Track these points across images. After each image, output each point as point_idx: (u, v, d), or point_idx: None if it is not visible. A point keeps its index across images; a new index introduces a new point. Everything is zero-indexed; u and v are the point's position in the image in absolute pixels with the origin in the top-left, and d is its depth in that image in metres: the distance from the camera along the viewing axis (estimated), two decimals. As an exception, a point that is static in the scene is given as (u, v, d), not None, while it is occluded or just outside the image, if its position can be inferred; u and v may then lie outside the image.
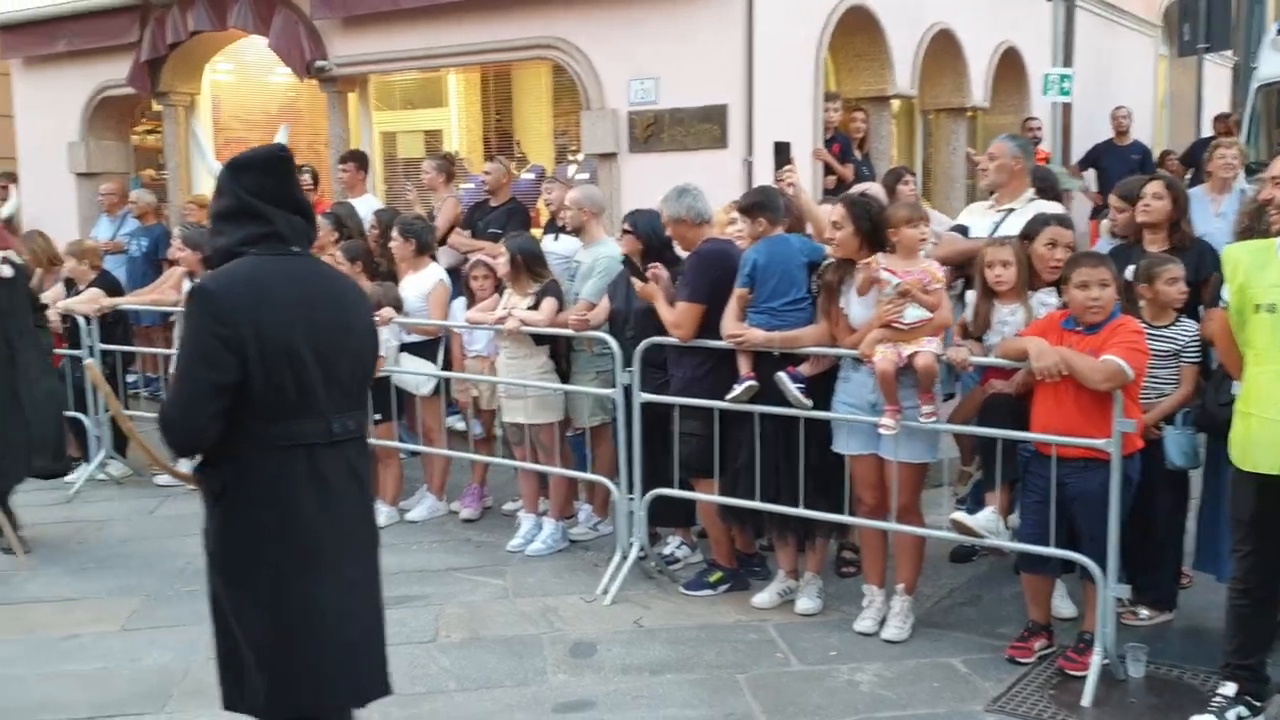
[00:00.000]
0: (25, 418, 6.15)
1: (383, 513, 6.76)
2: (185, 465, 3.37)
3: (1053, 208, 5.46)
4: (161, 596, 5.65)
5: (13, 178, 12.03)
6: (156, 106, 11.90)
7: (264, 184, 2.99)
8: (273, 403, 2.87)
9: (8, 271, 6.09)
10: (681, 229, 5.51)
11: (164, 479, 7.81)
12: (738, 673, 4.64)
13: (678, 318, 5.34)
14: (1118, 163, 10.96)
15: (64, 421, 6.83)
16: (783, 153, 7.70)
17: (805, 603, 5.31)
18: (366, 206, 8.53)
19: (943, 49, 10.78)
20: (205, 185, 11.82)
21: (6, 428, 6.10)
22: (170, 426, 2.89)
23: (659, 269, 5.55)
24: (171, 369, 7.82)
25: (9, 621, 5.31)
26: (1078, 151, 11.88)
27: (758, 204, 5.27)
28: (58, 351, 7.89)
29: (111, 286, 8.06)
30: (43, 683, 4.64)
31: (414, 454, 7.13)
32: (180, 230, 8.30)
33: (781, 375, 5.02)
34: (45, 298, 7.96)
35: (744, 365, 5.19)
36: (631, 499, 5.68)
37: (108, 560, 6.25)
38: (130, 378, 8.68)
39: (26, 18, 11.63)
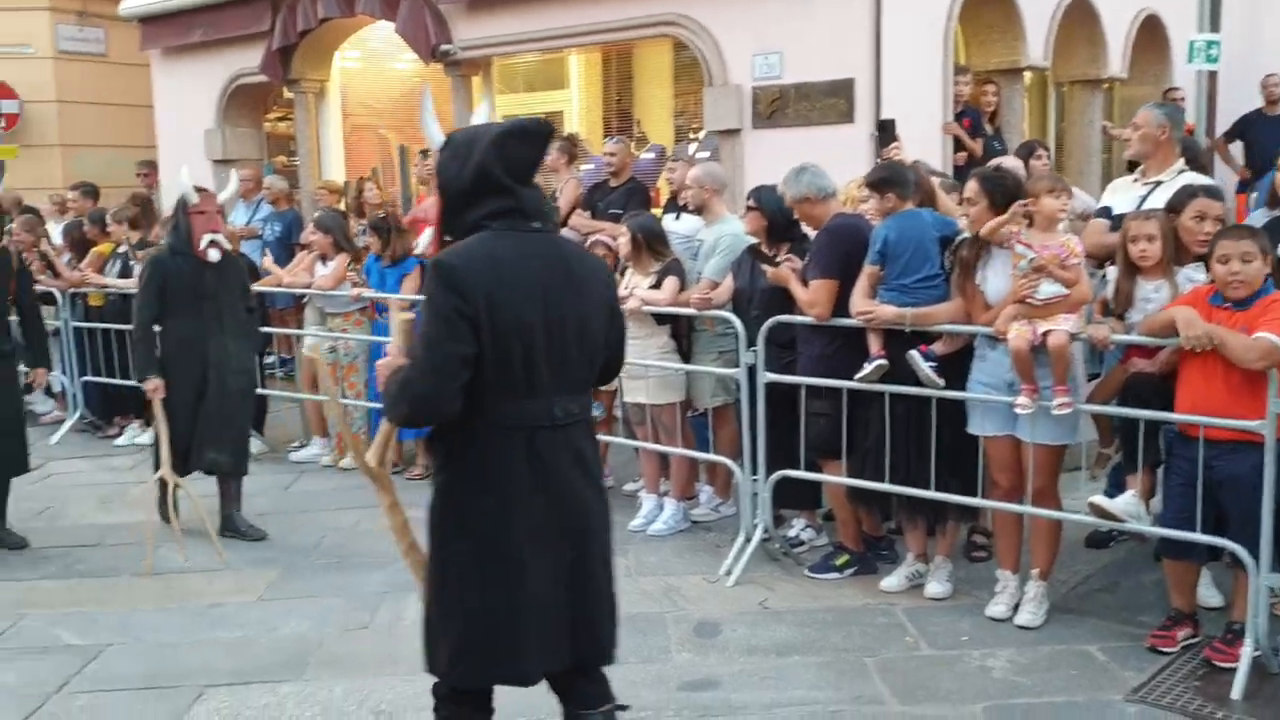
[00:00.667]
0: (215, 408, 6.17)
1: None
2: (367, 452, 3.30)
3: (1202, 180, 5.20)
4: (297, 569, 5.81)
5: (154, 166, 12.47)
6: (288, 94, 12.20)
7: (519, 157, 2.91)
8: (498, 382, 2.83)
9: (214, 255, 6.12)
10: (807, 207, 5.41)
11: (300, 455, 8.05)
12: (866, 656, 4.56)
13: (813, 296, 5.25)
14: (1268, 134, 10.41)
15: (248, 424, 6.78)
16: (887, 131, 7.53)
17: (935, 587, 5.20)
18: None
19: (1078, 18, 10.38)
20: (336, 171, 12.12)
21: (204, 413, 6.15)
22: (415, 397, 2.82)
23: (794, 261, 5.48)
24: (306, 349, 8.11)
25: (160, 590, 5.52)
26: (1224, 123, 11.35)
27: (885, 179, 5.16)
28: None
29: (249, 270, 8.28)
30: (190, 650, 4.81)
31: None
32: (315, 215, 8.53)
33: (914, 354, 4.91)
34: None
35: (874, 344, 5.09)
36: (755, 480, 5.62)
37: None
38: (268, 359, 8.94)
39: (164, 10, 12.02)
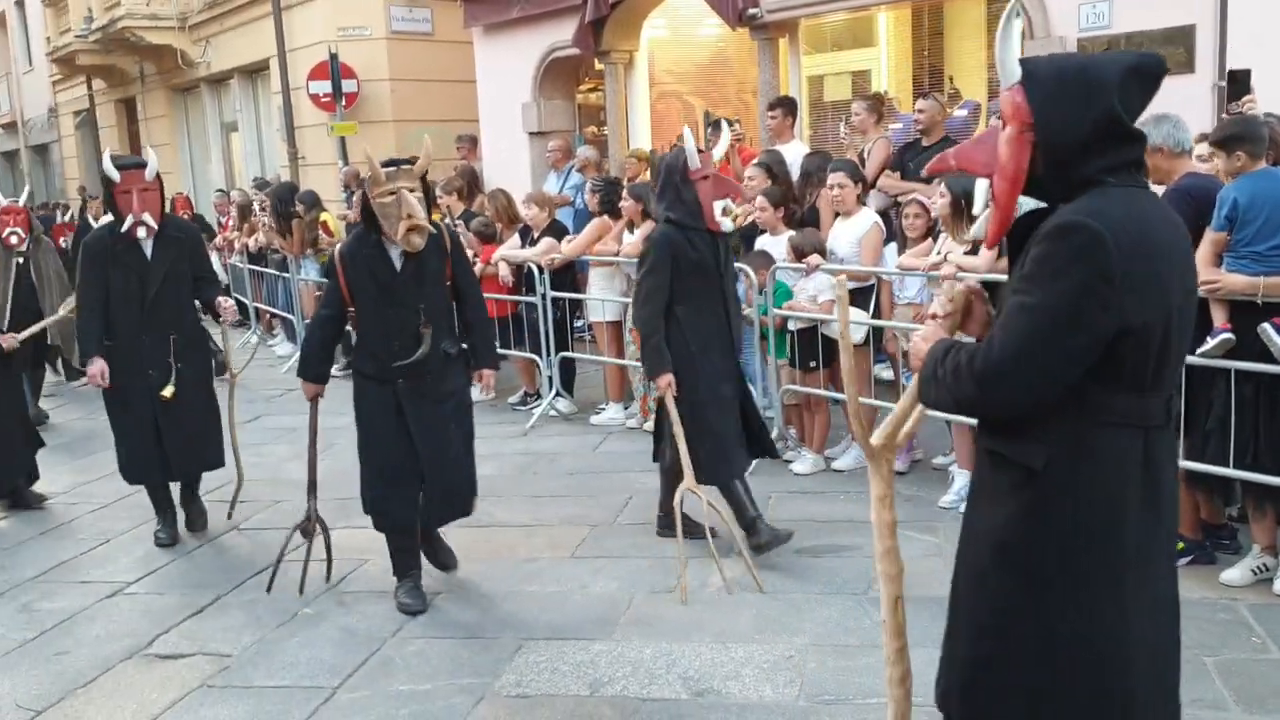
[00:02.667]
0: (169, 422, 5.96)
1: (809, 460, 6.78)
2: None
3: None
4: (606, 527, 6.00)
5: (474, 140, 13.14)
6: (599, 65, 12.55)
7: (1138, 99, 2.36)
8: (1130, 374, 2.28)
9: (142, 234, 5.78)
10: (1159, 159, 4.99)
11: (599, 419, 8.29)
12: (1205, 655, 4.20)
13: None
14: None
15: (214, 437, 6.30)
16: (1241, 82, 6.83)
17: (1285, 583, 4.74)
18: (794, 152, 8.53)
19: None
20: (643, 139, 12.34)
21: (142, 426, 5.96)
22: (1002, 386, 2.29)
23: None
24: (609, 314, 8.32)
25: (479, 543, 5.83)
26: None
27: (1235, 136, 4.72)
28: (512, 298, 8.58)
29: (561, 235, 8.61)
30: (508, 601, 5.07)
31: (838, 403, 7.08)
32: (591, 182, 8.71)
33: (1266, 326, 4.47)
34: (503, 249, 8.67)
35: (1219, 315, 4.66)
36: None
37: (559, 491, 6.72)
38: (578, 323, 9.26)
39: (486, -12, 12.62)
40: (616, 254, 8.05)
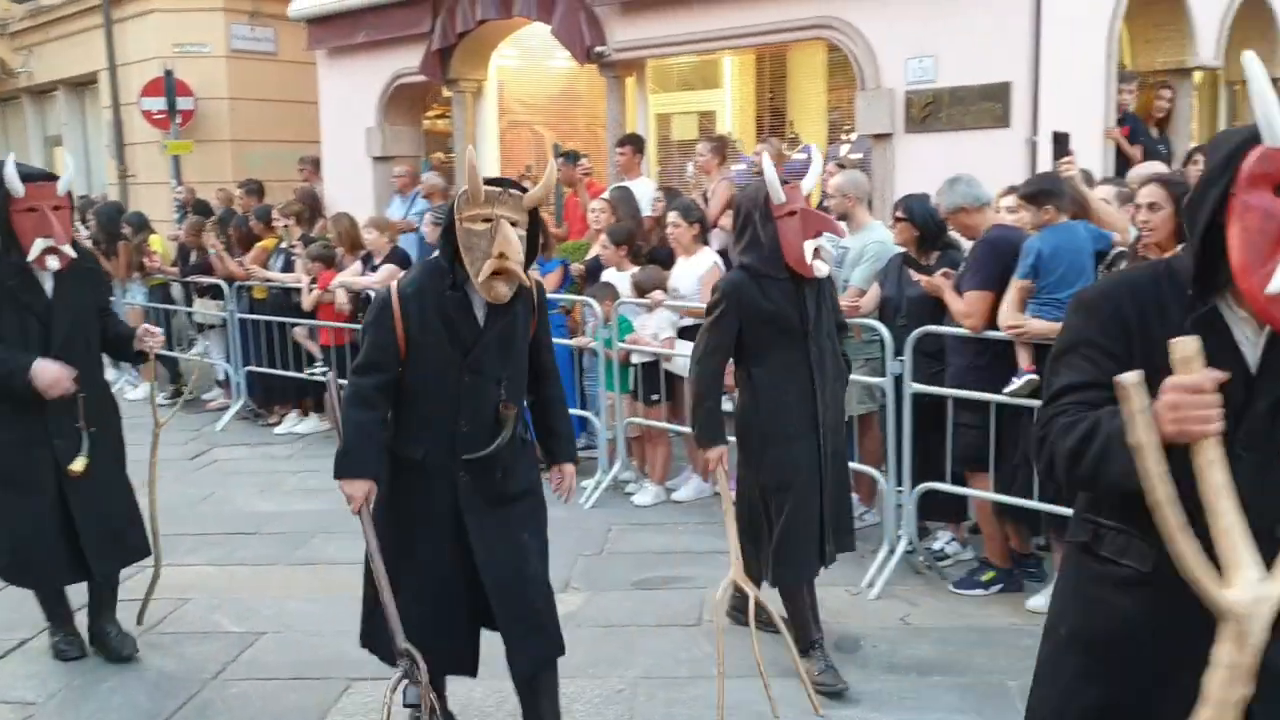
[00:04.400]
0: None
1: (650, 491, 6.89)
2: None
3: None
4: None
5: (315, 163, 12.94)
6: (446, 93, 12.52)
7: None
8: None
9: (53, 265, 4.43)
10: (963, 217, 5.31)
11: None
12: (1010, 679, 4.43)
13: (969, 307, 5.14)
14: None
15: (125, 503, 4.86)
16: (1062, 143, 7.32)
17: (1085, 611, 5.03)
18: (642, 189, 8.68)
19: (1253, 14, 9.90)
20: (491, 168, 12.34)
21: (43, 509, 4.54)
22: None
23: (950, 273, 5.37)
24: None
25: (310, 580, 5.72)
26: None
27: (1043, 191, 5.03)
28: (348, 325, 8.47)
29: (403, 262, 8.54)
30: (337, 640, 4.96)
31: (680, 435, 7.22)
32: (431, 214, 8.69)
33: (1066, 370, 4.76)
34: (343, 276, 8.56)
35: (1024, 358, 4.95)
36: (900, 491, 5.54)
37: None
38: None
39: (331, 11, 12.47)
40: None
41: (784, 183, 4.32)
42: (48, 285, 4.54)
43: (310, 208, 10.20)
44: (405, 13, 11.72)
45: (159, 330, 4.84)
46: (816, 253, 4.27)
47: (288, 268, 9.22)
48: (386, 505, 3.64)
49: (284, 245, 9.46)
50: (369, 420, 3.59)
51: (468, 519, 3.59)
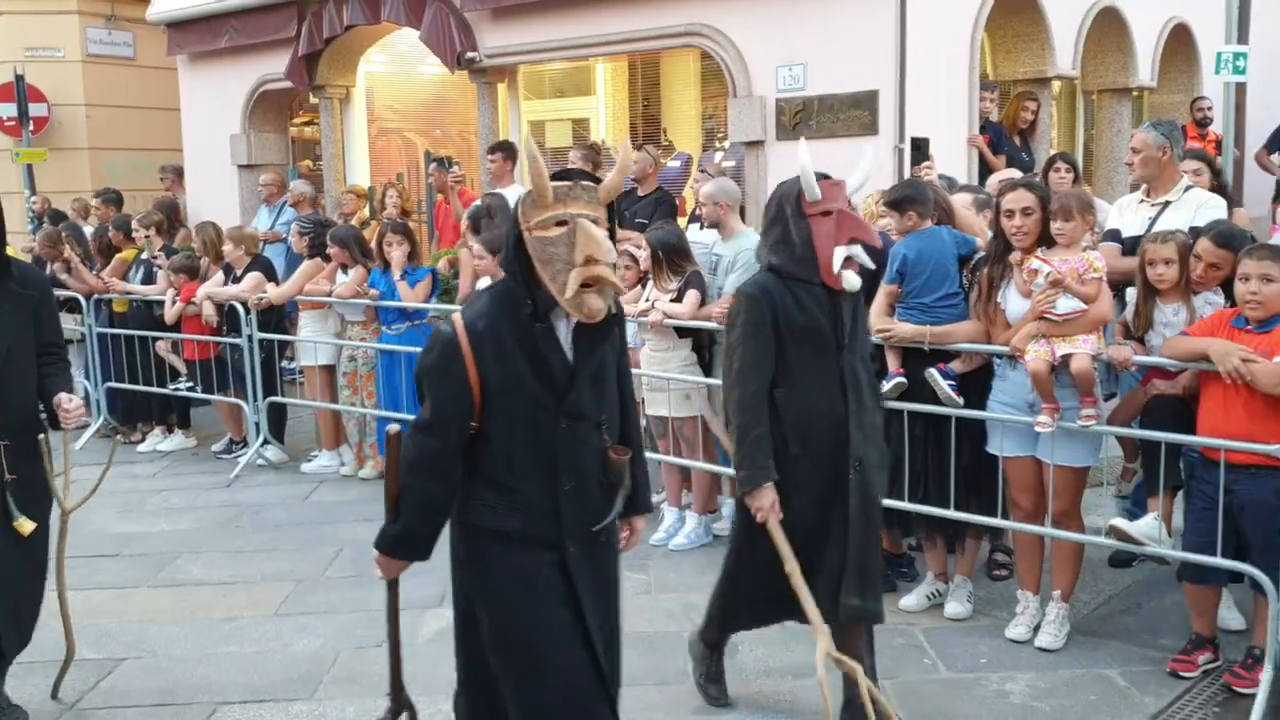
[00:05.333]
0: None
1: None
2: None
3: (1210, 199, 5.14)
4: (314, 582, 5.81)
5: (178, 172, 12.56)
6: (313, 100, 12.27)
7: None
8: None
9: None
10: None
11: (311, 466, 8.02)
12: (884, 678, 4.49)
13: None
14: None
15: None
16: (921, 149, 7.51)
17: (954, 607, 5.14)
18: (514, 196, 8.58)
19: (1107, 26, 10.30)
20: (361, 175, 12.13)
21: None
22: None
23: None
24: (322, 358, 8.05)
25: (174, 604, 5.53)
26: (1252, 134, 11.21)
27: (906, 198, 5.12)
28: (214, 339, 8.21)
29: (267, 270, 8.32)
30: (202, 664, 4.81)
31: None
32: (297, 224, 8.49)
33: (933, 371, 4.87)
34: (207, 287, 8.29)
35: (892, 361, 5.04)
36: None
37: (264, 545, 6.44)
38: (289, 364, 8.96)
39: (191, 15, 12.11)
40: (329, 294, 7.85)
41: (820, 178, 3.78)
42: None
43: (170, 217, 9.87)
44: (270, 17, 11.46)
45: (79, 403, 4.23)
46: (848, 262, 3.73)
47: (149, 280, 8.90)
48: (487, 598, 2.98)
49: (144, 256, 9.13)
50: (439, 495, 2.94)
51: (583, 595, 2.95)
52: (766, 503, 3.68)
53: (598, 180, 2.92)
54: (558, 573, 2.92)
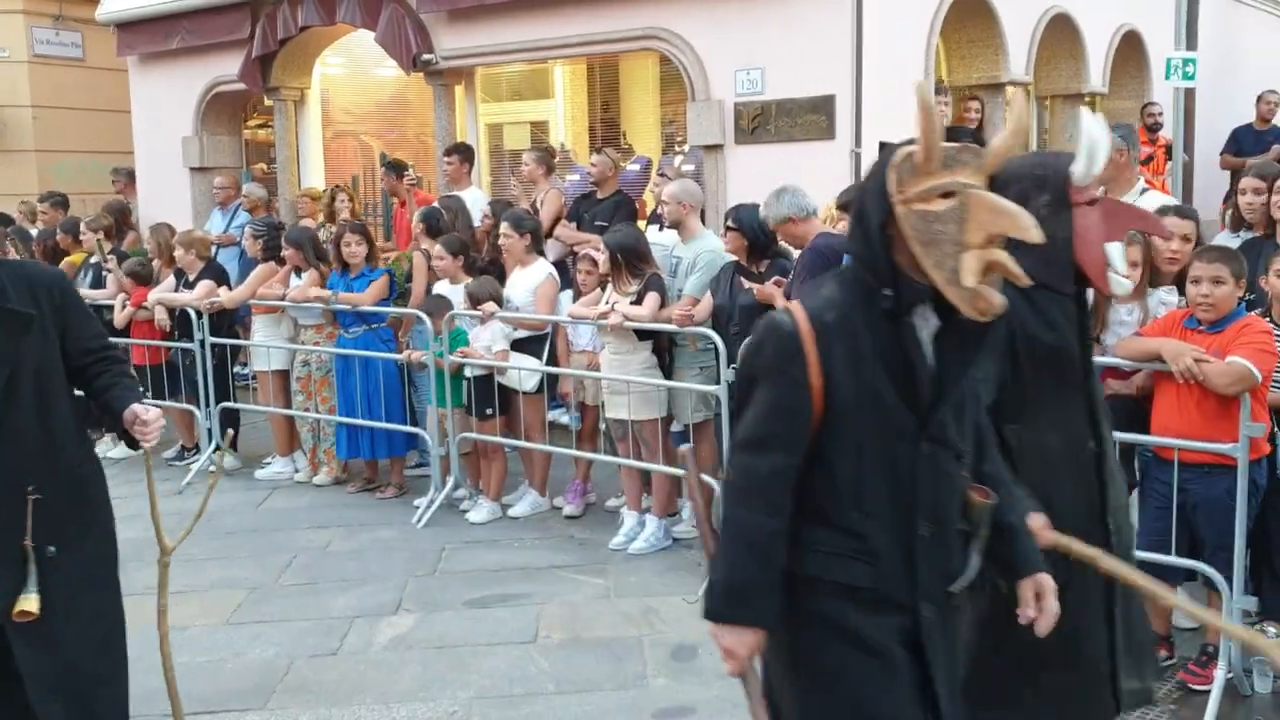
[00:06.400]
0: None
1: (485, 508, 6.76)
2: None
3: (1167, 200, 5.20)
4: (267, 590, 5.71)
5: (130, 174, 12.36)
6: (267, 102, 12.12)
7: None
8: None
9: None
10: (791, 227, 5.38)
11: (265, 473, 7.91)
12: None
13: None
14: (1251, 150, 10.47)
15: None
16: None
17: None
18: (471, 199, 8.55)
19: (1060, 33, 10.42)
20: (316, 178, 12.00)
21: None
22: None
23: (782, 281, 5.42)
24: (275, 363, 7.93)
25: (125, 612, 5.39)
26: (1203, 137, 11.39)
27: (860, 200, 5.10)
28: (165, 344, 8.08)
29: (219, 278, 8.19)
30: (152, 674, 4.69)
31: (516, 449, 7.11)
32: (251, 228, 8.39)
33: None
34: (158, 292, 8.16)
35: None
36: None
37: (216, 553, 6.32)
38: (241, 369, 8.83)
39: (142, 15, 11.91)
40: (282, 298, 7.74)
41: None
42: None
43: (119, 221, 9.70)
44: (223, 18, 11.30)
45: (157, 414, 3.38)
46: (1114, 260, 2.89)
47: (97, 284, 8.73)
48: (809, 670, 2.35)
49: (93, 260, 8.97)
50: (768, 531, 2.28)
51: (935, 671, 2.31)
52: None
53: (982, 142, 2.35)
54: (901, 641, 2.28)
